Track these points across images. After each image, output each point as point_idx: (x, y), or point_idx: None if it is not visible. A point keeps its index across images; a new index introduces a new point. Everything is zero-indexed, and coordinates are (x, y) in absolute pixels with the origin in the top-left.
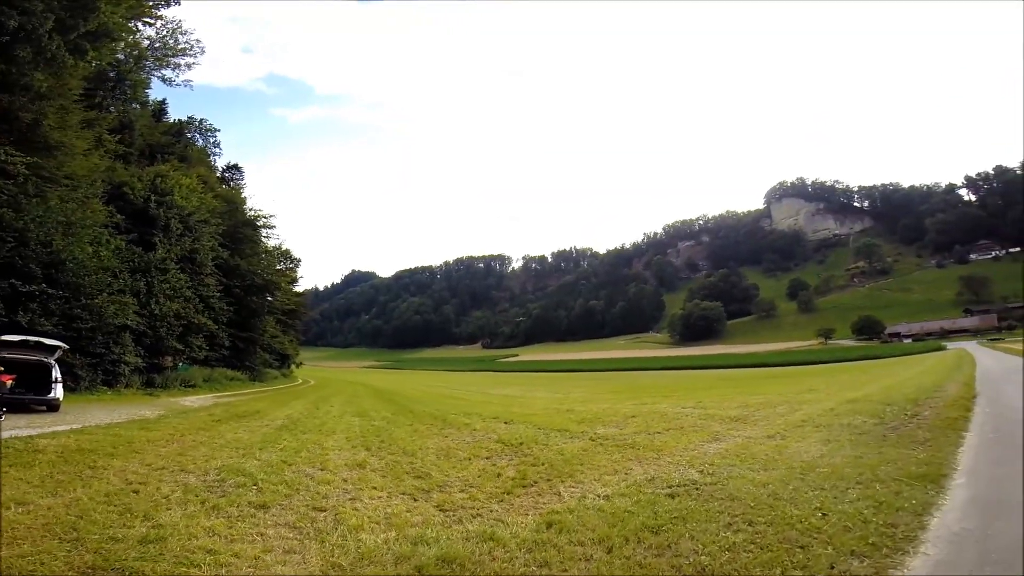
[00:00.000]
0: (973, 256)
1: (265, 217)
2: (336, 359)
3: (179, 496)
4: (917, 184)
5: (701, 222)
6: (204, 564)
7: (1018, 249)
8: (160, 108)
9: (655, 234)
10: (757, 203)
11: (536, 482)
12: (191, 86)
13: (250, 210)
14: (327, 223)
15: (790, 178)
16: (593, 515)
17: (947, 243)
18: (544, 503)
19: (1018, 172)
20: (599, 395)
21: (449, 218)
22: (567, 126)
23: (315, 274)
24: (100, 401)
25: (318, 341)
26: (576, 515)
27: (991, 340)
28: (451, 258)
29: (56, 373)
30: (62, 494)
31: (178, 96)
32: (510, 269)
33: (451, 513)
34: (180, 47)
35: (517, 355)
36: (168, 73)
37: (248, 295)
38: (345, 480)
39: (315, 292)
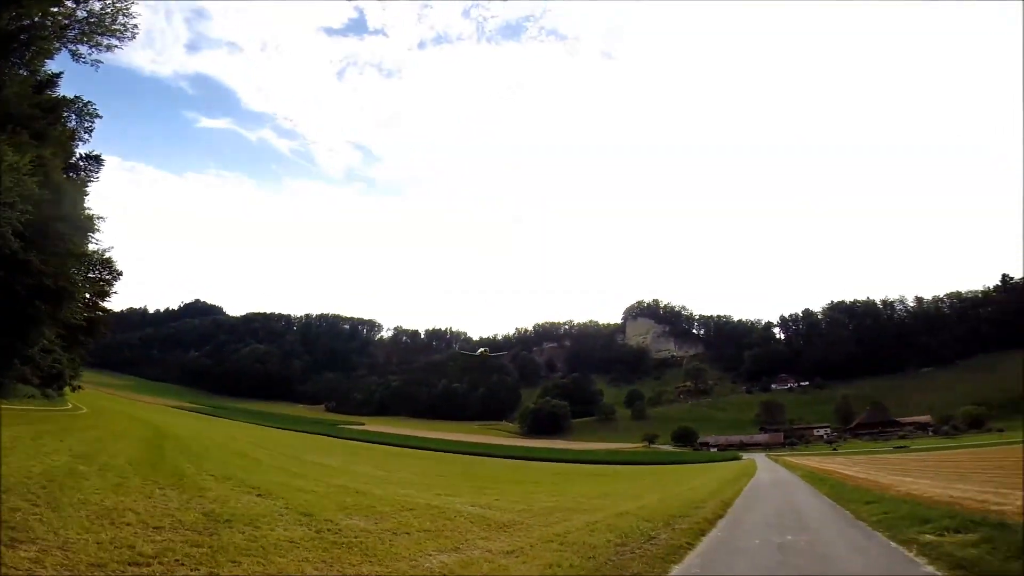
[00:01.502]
0: (774, 386)
1: (92, 219)
2: (142, 391)
3: None
4: (744, 319)
5: (566, 327)
6: None
7: (807, 383)
8: (50, 80)
9: (525, 330)
10: (616, 317)
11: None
12: (97, 66)
13: (86, 208)
14: (188, 241)
15: (647, 298)
16: None
17: (757, 373)
18: None
19: (819, 316)
20: (423, 479)
21: (322, 270)
22: (464, 213)
23: (153, 294)
24: None
25: (128, 368)
26: None
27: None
28: (315, 312)
29: None
30: None
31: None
32: (378, 337)
33: None
34: (114, 28)
35: (364, 424)
36: (82, 48)
37: (31, 298)
38: None
39: (142, 313)
